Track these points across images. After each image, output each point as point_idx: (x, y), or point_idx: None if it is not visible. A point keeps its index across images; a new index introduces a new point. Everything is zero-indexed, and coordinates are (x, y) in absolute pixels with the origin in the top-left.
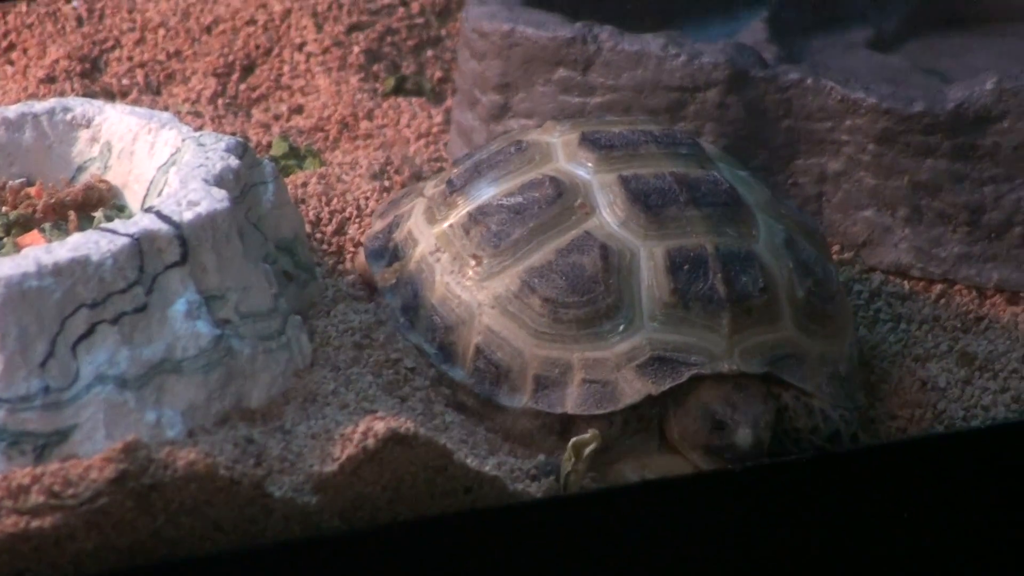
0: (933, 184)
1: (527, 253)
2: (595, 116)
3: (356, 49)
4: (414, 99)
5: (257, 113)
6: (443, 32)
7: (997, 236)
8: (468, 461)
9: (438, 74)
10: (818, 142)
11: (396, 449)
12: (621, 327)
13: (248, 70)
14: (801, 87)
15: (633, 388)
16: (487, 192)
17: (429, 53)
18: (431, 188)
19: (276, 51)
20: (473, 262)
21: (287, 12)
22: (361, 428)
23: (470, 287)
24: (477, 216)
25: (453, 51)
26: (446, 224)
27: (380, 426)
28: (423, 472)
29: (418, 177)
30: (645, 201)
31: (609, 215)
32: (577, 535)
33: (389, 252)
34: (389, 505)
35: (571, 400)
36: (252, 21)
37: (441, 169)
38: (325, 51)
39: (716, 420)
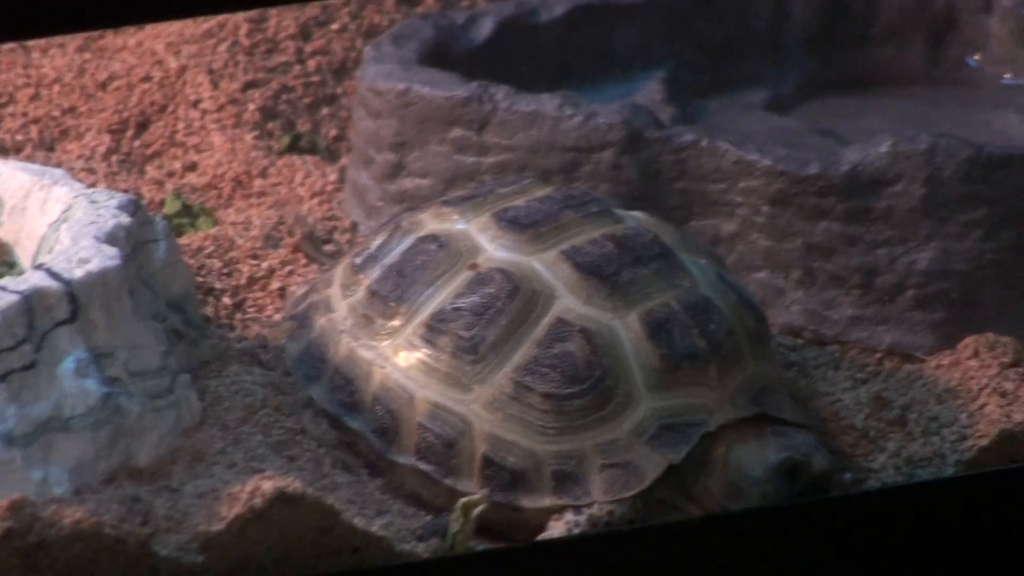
0: (827, 246)
1: (508, 352)
2: (478, 183)
3: (251, 106)
4: (308, 157)
5: (151, 170)
6: (339, 90)
7: (890, 299)
8: (356, 521)
9: (333, 132)
10: (712, 203)
11: (283, 509)
12: (623, 405)
13: (143, 127)
14: (696, 148)
15: (653, 462)
16: (433, 298)
17: (324, 111)
18: (343, 298)
19: (171, 108)
20: (454, 372)
21: (183, 69)
22: (248, 487)
23: (459, 398)
24: (437, 325)
25: (349, 109)
26: (399, 338)
27: (268, 485)
28: (310, 532)
29: (311, 237)
30: (598, 273)
31: (570, 296)
32: None
33: (328, 371)
34: (276, 565)
35: (597, 488)
36: (147, 78)
37: (335, 229)
38: (220, 108)
39: (788, 468)
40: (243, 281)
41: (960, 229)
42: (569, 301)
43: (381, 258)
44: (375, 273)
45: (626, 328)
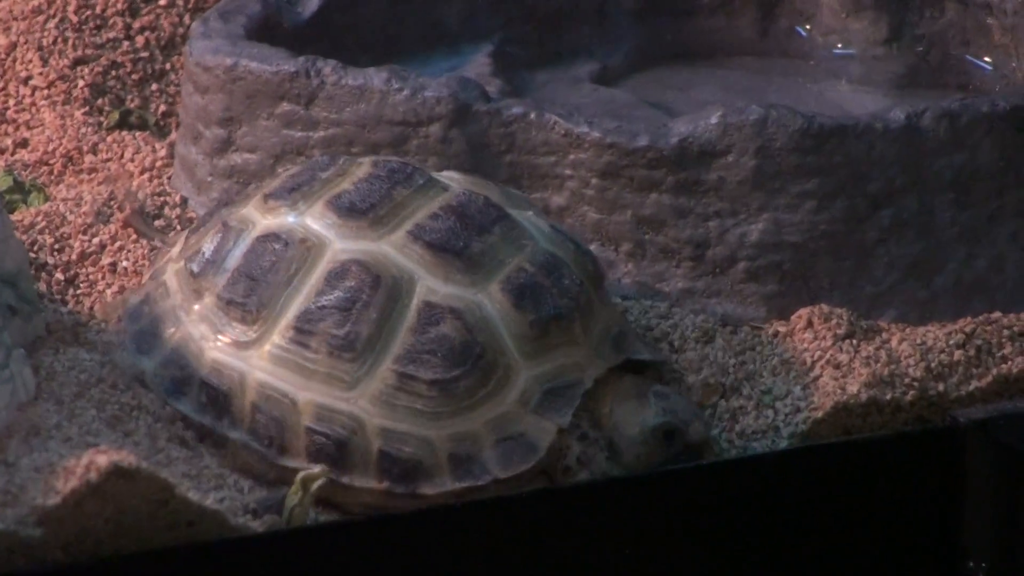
0: (657, 219)
1: (385, 344)
2: (307, 157)
3: (81, 83)
4: (138, 133)
5: None
6: (168, 66)
7: (721, 271)
8: (190, 495)
9: (162, 108)
10: (542, 176)
11: (118, 482)
12: (504, 378)
13: None
14: (525, 121)
15: (543, 429)
16: (292, 299)
17: (154, 87)
18: (191, 307)
19: (2, 85)
20: (334, 372)
21: (13, 46)
22: (84, 461)
23: (344, 396)
24: (305, 327)
25: (178, 85)
26: (266, 343)
27: (102, 459)
28: (145, 505)
29: (140, 212)
30: (451, 249)
31: (429, 277)
32: (298, 569)
33: (193, 385)
34: (112, 538)
35: (494, 464)
36: None
37: (165, 204)
38: (50, 85)
39: (665, 431)
40: (74, 257)
41: (792, 200)
42: (430, 282)
43: (221, 262)
44: (221, 279)
45: (491, 300)
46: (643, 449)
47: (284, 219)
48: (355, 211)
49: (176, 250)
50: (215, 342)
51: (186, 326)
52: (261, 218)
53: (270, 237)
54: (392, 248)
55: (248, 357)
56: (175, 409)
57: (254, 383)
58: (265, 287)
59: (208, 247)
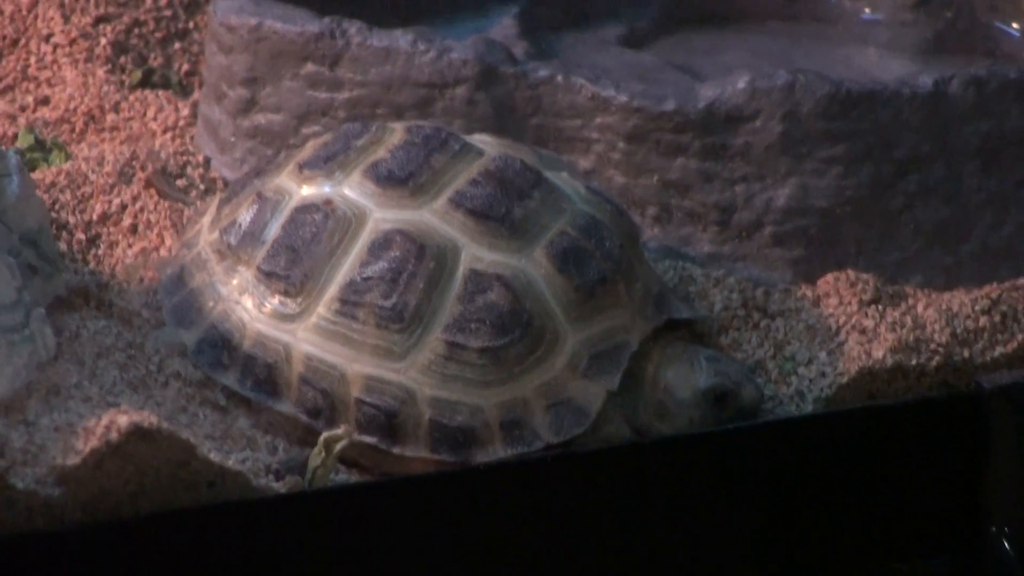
0: (683, 183)
1: (432, 314)
2: (331, 119)
3: (103, 41)
4: (161, 92)
5: (3, 104)
6: (191, 25)
7: (747, 236)
8: (212, 456)
9: (186, 67)
10: (568, 140)
11: (139, 443)
12: (552, 343)
13: None
14: (551, 84)
15: (592, 393)
16: (336, 270)
17: (177, 46)
18: (229, 280)
19: (23, 42)
20: (383, 343)
21: (34, 3)
22: (104, 421)
23: (394, 367)
24: (352, 298)
25: (201, 44)
26: (311, 315)
27: (123, 420)
28: (166, 466)
29: (163, 172)
30: (493, 215)
31: (473, 244)
32: (320, 530)
33: (238, 359)
34: (132, 498)
35: (545, 430)
36: None
37: (187, 163)
38: (72, 42)
39: (717, 394)
40: (96, 216)
41: (819, 166)
42: (475, 250)
43: (259, 234)
44: (260, 251)
45: (536, 266)
46: (695, 412)
47: (321, 189)
48: (394, 179)
49: (208, 219)
50: (257, 315)
51: (226, 299)
52: (297, 188)
53: (308, 208)
54: (434, 216)
55: (293, 330)
56: (217, 381)
57: (300, 356)
58: (307, 259)
59: (244, 218)
